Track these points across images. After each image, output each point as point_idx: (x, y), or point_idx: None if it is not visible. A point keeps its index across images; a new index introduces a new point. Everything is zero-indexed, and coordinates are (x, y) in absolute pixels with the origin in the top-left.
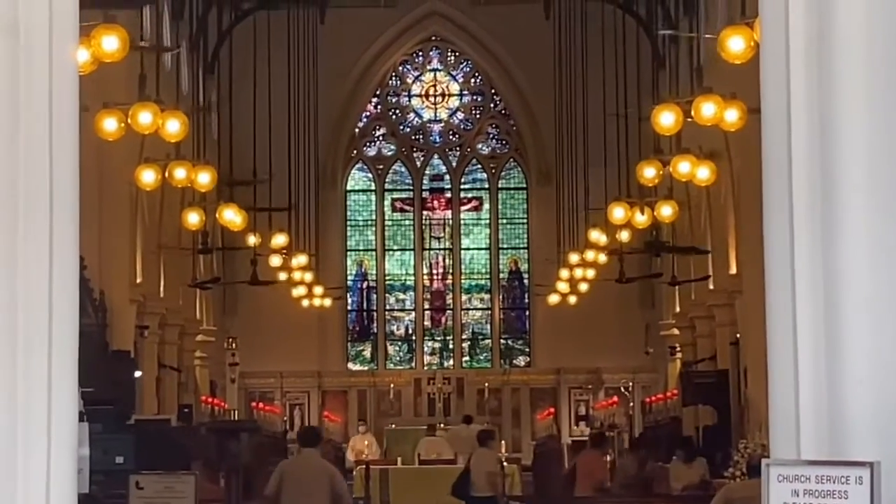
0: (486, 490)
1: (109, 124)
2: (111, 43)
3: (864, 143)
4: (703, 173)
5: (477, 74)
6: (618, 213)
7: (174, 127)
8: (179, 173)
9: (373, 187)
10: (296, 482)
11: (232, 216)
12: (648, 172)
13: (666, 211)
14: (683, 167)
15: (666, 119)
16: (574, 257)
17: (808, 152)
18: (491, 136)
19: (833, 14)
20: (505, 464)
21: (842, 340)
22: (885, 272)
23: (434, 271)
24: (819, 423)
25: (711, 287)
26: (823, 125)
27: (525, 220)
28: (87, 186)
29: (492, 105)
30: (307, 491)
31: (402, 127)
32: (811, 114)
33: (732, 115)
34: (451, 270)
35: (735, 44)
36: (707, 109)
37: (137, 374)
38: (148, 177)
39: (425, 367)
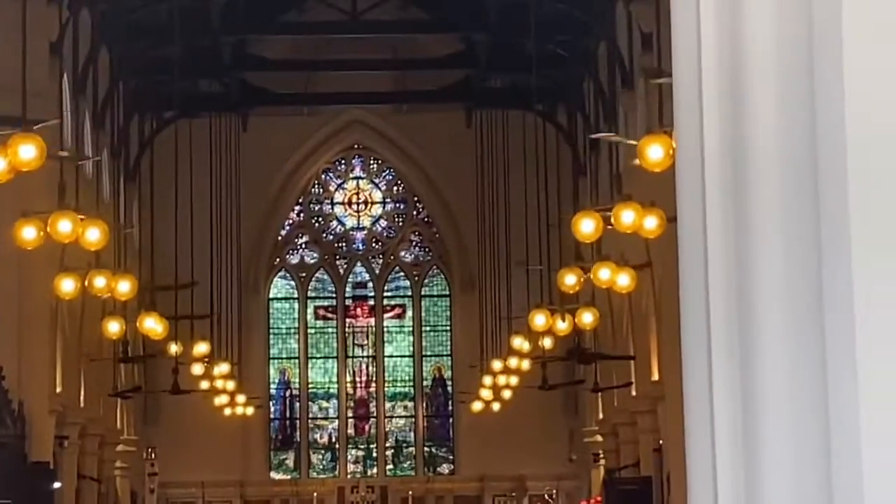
0: None
1: (28, 233)
2: (28, 151)
3: (780, 260)
4: (624, 280)
5: (399, 182)
6: (539, 320)
7: (94, 235)
8: (99, 282)
9: (296, 295)
10: None
11: (153, 324)
12: (569, 279)
13: (587, 318)
14: (604, 274)
15: (586, 226)
16: (497, 364)
17: (725, 268)
18: (414, 243)
19: (748, 122)
20: None
21: (760, 453)
22: (802, 388)
23: (357, 379)
24: None
25: (634, 393)
26: (738, 241)
27: (448, 327)
28: (6, 296)
29: (415, 213)
30: None
31: (325, 235)
32: (727, 228)
33: (652, 223)
34: (374, 378)
35: (654, 152)
36: (626, 217)
37: (56, 485)
38: (67, 286)
39: (349, 476)
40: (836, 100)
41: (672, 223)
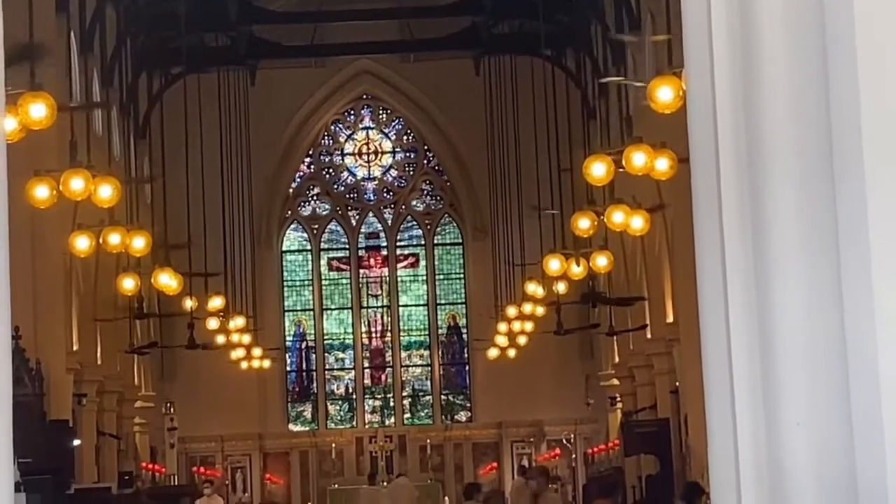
0: None
1: (41, 192)
2: (39, 110)
3: (793, 191)
4: (637, 223)
5: (409, 131)
6: (553, 265)
7: (106, 192)
8: (114, 239)
9: (309, 247)
10: None
11: (167, 280)
12: (583, 223)
13: (601, 262)
14: (617, 217)
15: (598, 170)
16: (512, 311)
17: (739, 202)
18: (425, 192)
19: (757, 62)
20: None
21: (778, 383)
22: (818, 320)
23: (372, 329)
24: (759, 468)
25: (649, 336)
26: (752, 174)
27: (462, 275)
28: (20, 256)
29: (425, 161)
30: None
31: (336, 186)
32: (739, 163)
33: (663, 165)
34: (389, 328)
35: (663, 94)
36: (638, 159)
37: (76, 442)
38: (82, 244)
39: (366, 426)
40: (846, 34)
41: (684, 164)
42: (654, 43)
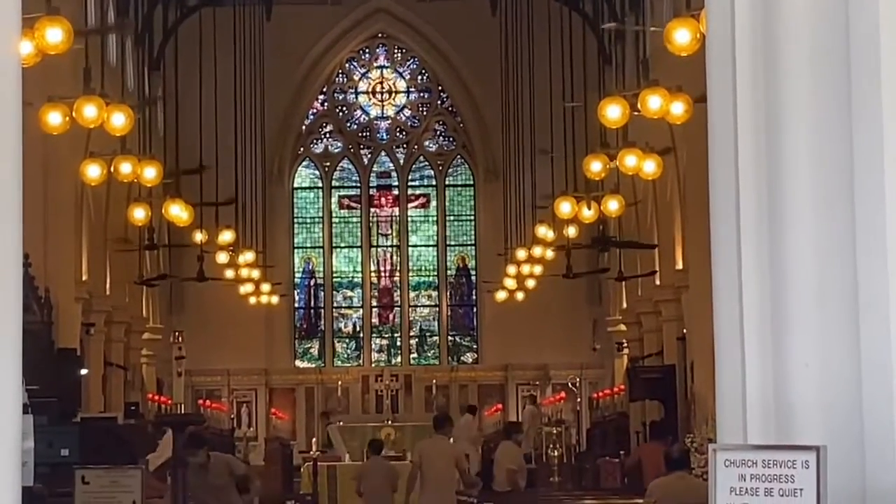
0: (506, 485)
1: (54, 118)
2: (55, 35)
3: (810, 134)
4: (650, 167)
5: (424, 71)
6: (564, 207)
7: (119, 120)
8: (125, 168)
9: (320, 184)
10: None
11: (178, 211)
12: (595, 166)
13: (612, 206)
14: (630, 161)
15: (612, 112)
16: (521, 253)
17: (755, 144)
18: (438, 133)
19: (778, 4)
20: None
21: (787, 325)
22: (830, 263)
23: (382, 268)
24: (766, 409)
25: (658, 283)
26: (769, 117)
27: (472, 217)
28: (31, 182)
29: (439, 102)
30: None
31: (349, 124)
32: (757, 105)
33: (678, 108)
34: (398, 267)
35: (681, 36)
36: (653, 102)
37: (83, 371)
38: (93, 171)
39: (373, 365)
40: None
41: (699, 108)
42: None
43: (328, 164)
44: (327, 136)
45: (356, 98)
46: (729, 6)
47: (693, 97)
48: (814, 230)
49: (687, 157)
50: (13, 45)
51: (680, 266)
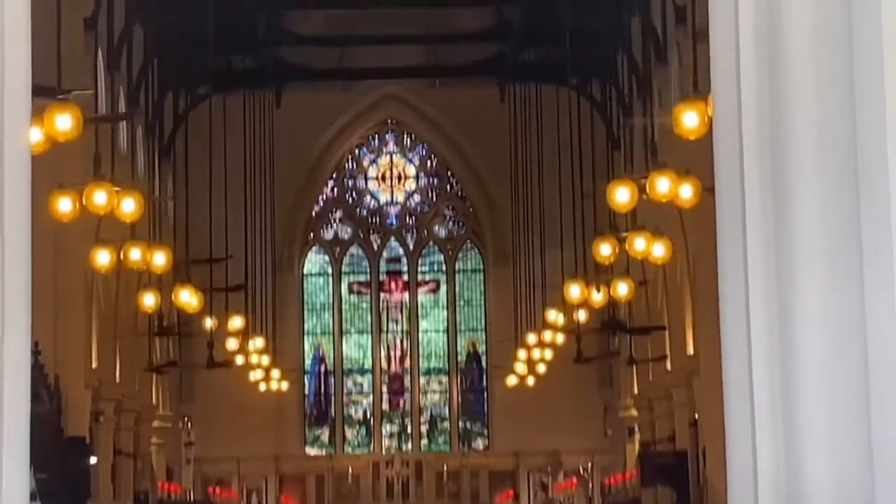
0: None
1: (64, 205)
2: (64, 121)
3: (818, 216)
4: (659, 251)
5: (433, 157)
6: (574, 291)
7: (129, 206)
8: (135, 254)
9: (330, 270)
10: None
11: (188, 297)
12: (604, 250)
13: (622, 289)
14: (639, 244)
15: (621, 195)
16: (532, 338)
17: (763, 228)
18: (448, 218)
19: (784, 86)
20: None
21: (799, 414)
22: (839, 343)
23: (392, 354)
24: (778, 494)
25: (669, 367)
26: (777, 201)
27: (482, 302)
28: (41, 269)
29: (448, 187)
30: None
31: (358, 210)
32: (765, 189)
33: (687, 192)
34: (408, 353)
35: (689, 119)
36: (662, 185)
37: (93, 460)
38: (103, 258)
39: (384, 451)
40: (874, 57)
41: (708, 193)
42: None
43: (338, 250)
44: (337, 222)
45: (366, 184)
46: (735, 89)
47: (701, 180)
48: (823, 314)
49: (696, 240)
50: (24, 132)
51: (691, 351)
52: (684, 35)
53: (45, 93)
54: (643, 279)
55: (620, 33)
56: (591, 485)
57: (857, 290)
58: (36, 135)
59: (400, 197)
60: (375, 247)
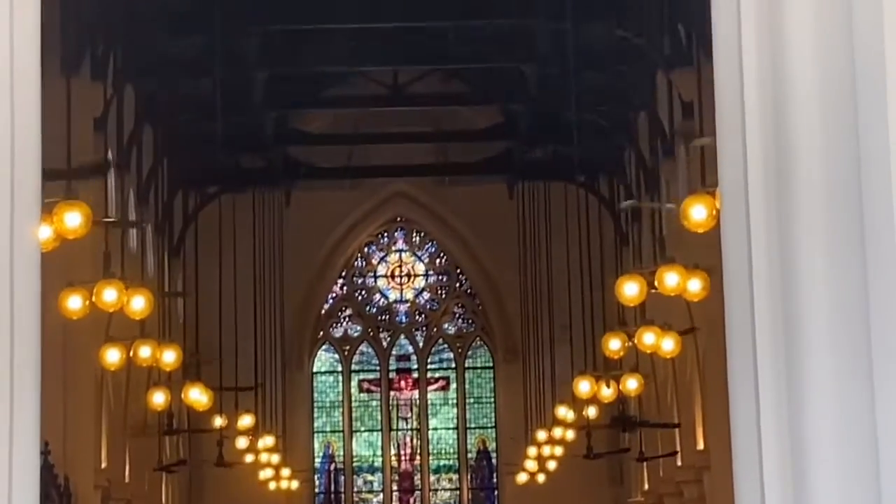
0: None
1: (74, 303)
2: (74, 219)
3: (829, 311)
4: (668, 345)
5: (442, 254)
6: (584, 387)
7: (139, 304)
8: (144, 352)
9: (339, 368)
10: None
11: (198, 395)
12: (613, 344)
13: (632, 384)
14: (648, 339)
15: (630, 289)
16: (542, 434)
17: (772, 324)
18: (457, 315)
19: (792, 182)
20: None
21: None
22: (850, 440)
23: (402, 452)
24: None
25: (679, 463)
26: (786, 296)
27: (492, 399)
28: (50, 368)
29: (457, 285)
30: None
31: (368, 308)
32: (773, 284)
33: (696, 286)
34: (418, 451)
35: (697, 212)
36: (670, 279)
37: None
38: (113, 356)
39: None
40: (882, 169)
41: (717, 287)
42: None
43: (348, 347)
44: (347, 320)
45: (375, 282)
46: (742, 182)
47: (710, 275)
48: (834, 419)
49: (706, 335)
50: (32, 230)
51: (701, 446)
52: (691, 130)
53: (54, 175)
54: (653, 377)
55: (627, 129)
56: None
57: (868, 395)
58: (45, 232)
59: (409, 295)
60: (385, 344)
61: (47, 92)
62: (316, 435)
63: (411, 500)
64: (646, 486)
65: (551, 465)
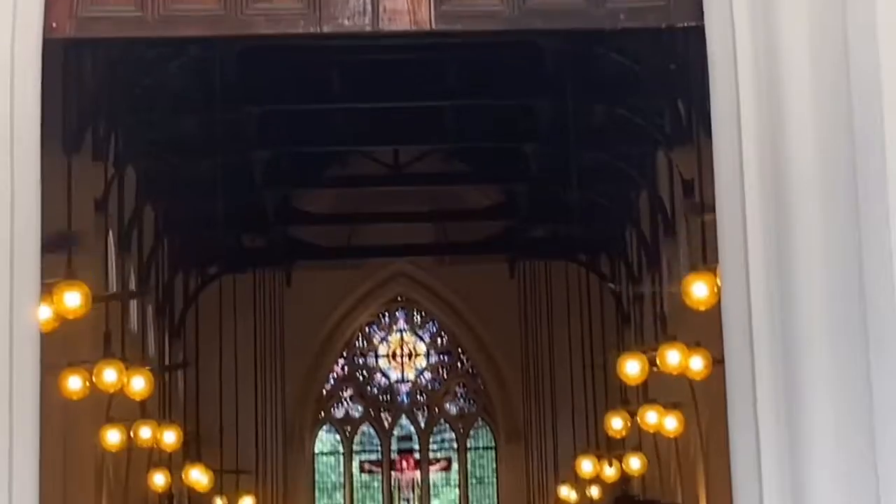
0: None
1: (74, 383)
2: (73, 299)
3: (831, 389)
4: (671, 424)
5: (443, 334)
6: (586, 466)
7: (139, 384)
8: (145, 433)
9: (341, 449)
10: None
11: (198, 476)
12: (616, 423)
13: (635, 463)
14: (651, 417)
15: (631, 368)
16: None
17: (773, 402)
18: (459, 395)
19: (791, 260)
20: None
21: None
22: None
23: None
24: None
25: None
26: (787, 370)
27: (494, 480)
28: (50, 448)
29: (459, 365)
30: None
31: (369, 388)
32: (775, 363)
33: (698, 364)
34: None
35: (698, 290)
36: (672, 357)
37: None
38: (113, 437)
39: None
40: (883, 243)
41: (719, 365)
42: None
43: (349, 428)
44: (348, 400)
45: (376, 362)
46: (743, 261)
47: (712, 352)
48: (835, 490)
49: (709, 413)
50: (32, 310)
51: None
52: (692, 208)
53: (56, 245)
54: (655, 452)
55: (628, 208)
56: None
57: (871, 473)
58: (45, 312)
59: (411, 375)
60: (387, 425)
61: (48, 172)
62: None
63: None
64: None
65: None
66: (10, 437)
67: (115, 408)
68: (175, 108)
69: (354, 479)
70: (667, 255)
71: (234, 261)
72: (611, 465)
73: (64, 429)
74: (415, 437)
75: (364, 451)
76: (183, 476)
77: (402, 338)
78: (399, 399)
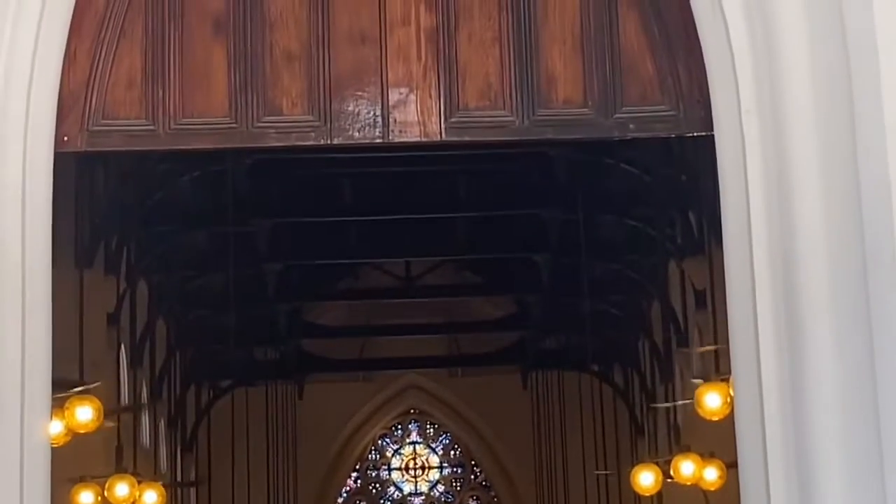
0: None
1: (86, 498)
2: (85, 413)
3: (846, 494)
4: None
5: (456, 446)
6: None
7: (152, 499)
8: None
9: None
10: None
11: None
12: None
13: None
14: None
15: (645, 479)
16: None
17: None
18: None
19: (804, 360)
20: None
21: None
22: None
23: None
24: None
25: None
26: (801, 480)
27: None
28: None
29: (472, 476)
30: None
31: (382, 501)
32: (789, 468)
33: (712, 474)
34: None
35: (711, 400)
36: (686, 468)
37: None
38: None
39: None
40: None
41: (733, 471)
42: (702, 353)
43: None
44: None
45: (389, 475)
46: (755, 370)
47: (726, 462)
48: None
49: None
50: (43, 424)
51: None
52: (704, 318)
53: (67, 385)
54: None
55: (640, 318)
56: None
57: None
58: (57, 427)
59: (424, 487)
60: None
61: (60, 285)
62: None
63: None
64: None
65: None
66: None
67: None
68: (186, 222)
69: None
70: (680, 364)
71: (247, 374)
72: None
73: None
74: None
75: None
76: None
77: (415, 450)
78: None
